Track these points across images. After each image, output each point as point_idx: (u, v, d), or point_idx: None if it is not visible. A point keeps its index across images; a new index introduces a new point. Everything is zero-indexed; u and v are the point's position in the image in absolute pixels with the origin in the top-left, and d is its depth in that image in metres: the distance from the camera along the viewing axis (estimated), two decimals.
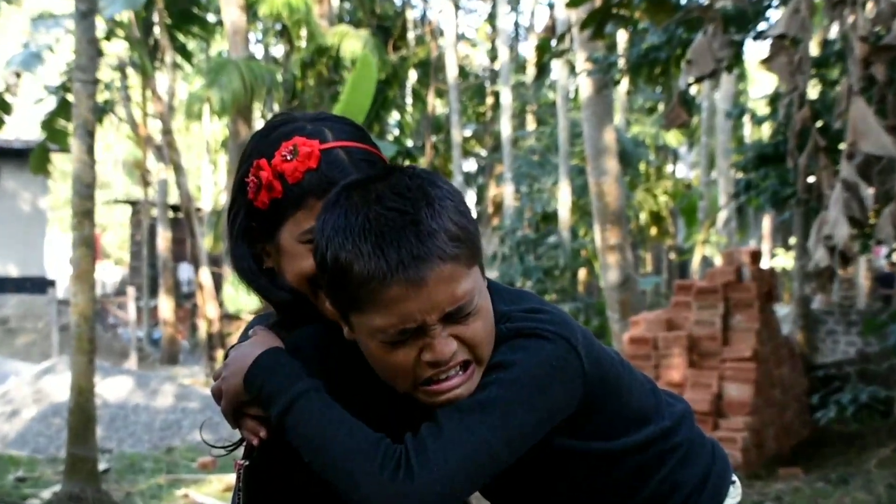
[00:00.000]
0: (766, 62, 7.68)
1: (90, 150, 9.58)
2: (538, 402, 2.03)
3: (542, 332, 2.07)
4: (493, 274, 22.23)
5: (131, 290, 30.62)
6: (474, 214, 2.39)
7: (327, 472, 1.97)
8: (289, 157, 2.17)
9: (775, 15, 14.84)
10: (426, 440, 1.96)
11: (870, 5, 7.79)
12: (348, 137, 2.25)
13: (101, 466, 11.10)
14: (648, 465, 2.28)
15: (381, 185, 2.03)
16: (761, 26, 11.59)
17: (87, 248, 9.47)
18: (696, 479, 2.33)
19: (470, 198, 37.41)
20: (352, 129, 2.29)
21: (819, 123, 9.94)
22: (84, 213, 9.52)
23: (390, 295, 1.94)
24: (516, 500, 2.30)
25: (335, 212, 2.03)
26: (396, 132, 34.17)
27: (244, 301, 24.07)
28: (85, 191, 9.52)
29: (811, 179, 8.42)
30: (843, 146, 7.88)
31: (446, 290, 1.96)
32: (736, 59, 11.45)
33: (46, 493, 10.02)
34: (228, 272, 20.28)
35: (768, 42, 7.85)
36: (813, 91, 8.37)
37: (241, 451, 2.29)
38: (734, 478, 2.43)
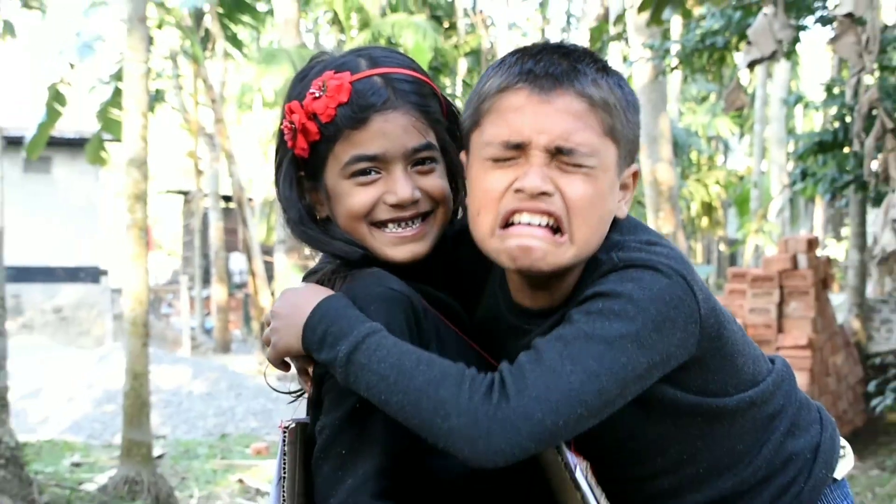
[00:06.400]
0: (833, 42, 7.52)
1: (144, 129, 9.57)
2: (651, 340, 1.81)
3: (658, 265, 1.87)
4: None
5: (184, 279, 30.72)
6: None
7: (407, 410, 1.78)
8: (318, 95, 2.07)
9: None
10: (525, 366, 1.78)
11: None
12: (391, 64, 2.12)
13: (156, 452, 11.14)
14: (758, 427, 2.08)
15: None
16: (819, 13, 11.44)
17: (141, 230, 9.48)
18: (808, 450, 2.13)
19: None
20: (399, 57, 2.15)
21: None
22: (137, 195, 9.53)
23: (510, 102, 1.88)
24: (602, 457, 2.06)
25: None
26: None
27: None
28: (138, 172, 9.52)
29: (875, 165, 8.26)
30: None
31: (565, 121, 1.86)
32: (794, 44, 11.30)
33: (102, 478, 10.02)
34: (281, 261, 20.25)
35: (829, 26, 7.70)
36: (871, 77, 8.23)
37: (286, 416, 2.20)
38: (843, 443, 2.23)
